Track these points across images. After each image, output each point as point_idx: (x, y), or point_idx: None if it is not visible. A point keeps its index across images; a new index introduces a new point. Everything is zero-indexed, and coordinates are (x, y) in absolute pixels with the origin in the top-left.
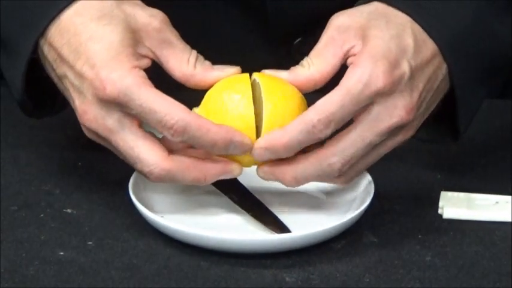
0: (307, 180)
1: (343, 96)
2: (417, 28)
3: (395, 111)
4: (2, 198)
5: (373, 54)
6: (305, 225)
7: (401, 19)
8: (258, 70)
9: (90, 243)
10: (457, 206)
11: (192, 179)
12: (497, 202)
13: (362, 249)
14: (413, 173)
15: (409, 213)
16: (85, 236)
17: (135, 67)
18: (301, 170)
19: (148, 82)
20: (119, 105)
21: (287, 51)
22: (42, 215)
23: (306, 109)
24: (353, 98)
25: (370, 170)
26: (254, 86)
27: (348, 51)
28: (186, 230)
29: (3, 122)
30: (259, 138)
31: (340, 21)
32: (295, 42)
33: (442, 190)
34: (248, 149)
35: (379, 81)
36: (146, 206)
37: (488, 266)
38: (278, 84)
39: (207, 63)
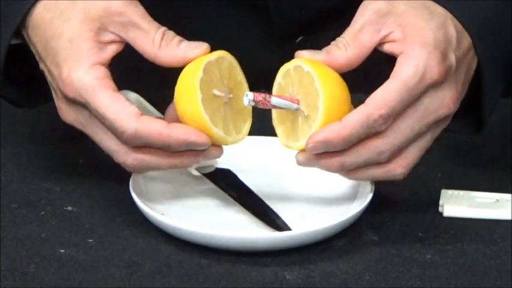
0: (353, 167)
1: (401, 89)
2: (455, 20)
3: (443, 103)
4: (3, 195)
5: (424, 43)
6: (305, 223)
7: (440, 10)
8: (261, 68)
9: (90, 240)
10: (457, 204)
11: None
12: (497, 200)
13: (362, 247)
14: (413, 171)
15: (410, 211)
16: (85, 233)
17: (95, 64)
18: (350, 159)
19: (105, 82)
20: (82, 104)
21: (290, 49)
22: (42, 213)
23: (348, 95)
24: (410, 91)
25: None
26: (297, 71)
27: (385, 36)
28: (187, 227)
29: (3, 120)
30: (317, 132)
31: (380, 6)
32: (297, 40)
33: (442, 188)
34: (205, 147)
35: (434, 73)
36: (147, 204)
37: (488, 264)
38: (328, 72)
39: (175, 40)
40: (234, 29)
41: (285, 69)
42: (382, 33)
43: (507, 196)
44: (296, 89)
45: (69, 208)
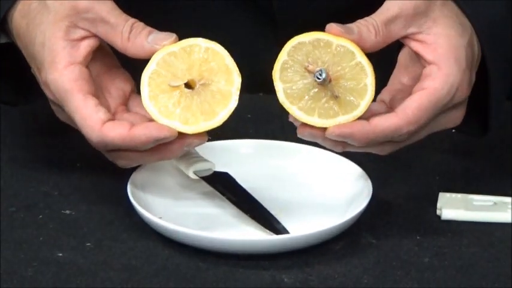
0: (354, 150)
1: (433, 107)
2: (476, 37)
3: (453, 120)
4: (1, 199)
5: (459, 61)
6: (303, 227)
7: (468, 23)
8: (264, 68)
9: (88, 244)
10: (455, 207)
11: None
12: (495, 203)
13: (360, 250)
14: (411, 174)
15: (408, 215)
16: (83, 237)
17: (70, 64)
18: (355, 148)
19: (78, 84)
20: (60, 106)
21: None
22: (40, 216)
23: None
24: (439, 108)
25: (369, 171)
26: (343, 53)
27: (412, 34)
28: (185, 230)
29: (2, 123)
30: (345, 125)
31: (419, 3)
32: None
33: (440, 191)
34: (171, 138)
35: (463, 94)
36: (145, 207)
37: (486, 267)
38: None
39: (144, 33)
40: (237, 29)
41: (323, 39)
42: (411, 30)
43: (505, 199)
44: (333, 67)
45: (67, 211)
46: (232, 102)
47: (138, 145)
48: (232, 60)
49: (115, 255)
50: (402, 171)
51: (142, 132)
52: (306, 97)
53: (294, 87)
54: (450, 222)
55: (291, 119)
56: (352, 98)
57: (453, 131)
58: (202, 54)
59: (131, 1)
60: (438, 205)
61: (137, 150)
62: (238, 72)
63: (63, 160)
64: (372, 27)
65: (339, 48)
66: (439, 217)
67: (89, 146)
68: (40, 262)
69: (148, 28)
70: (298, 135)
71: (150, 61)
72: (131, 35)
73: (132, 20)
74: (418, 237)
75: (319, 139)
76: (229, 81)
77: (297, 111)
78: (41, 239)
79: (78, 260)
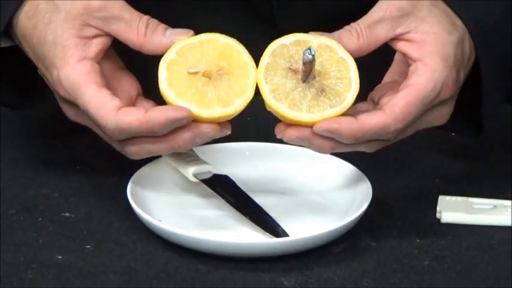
0: (341, 151)
1: (419, 104)
2: (468, 35)
3: (440, 118)
4: (1, 201)
5: (446, 58)
6: (303, 229)
7: (460, 23)
8: None
9: (88, 247)
10: (455, 210)
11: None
12: (495, 206)
13: (360, 253)
14: (411, 177)
15: (407, 218)
16: (83, 239)
17: (81, 59)
18: (343, 147)
19: (91, 77)
20: (72, 101)
21: None
22: (40, 219)
23: None
24: (425, 106)
25: (368, 173)
26: (325, 50)
27: (401, 35)
28: (184, 233)
29: (2, 124)
30: (333, 120)
31: (403, 4)
32: None
33: (440, 194)
34: (188, 119)
35: (448, 91)
36: (144, 210)
37: (486, 270)
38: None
39: (160, 28)
40: (237, 31)
41: (304, 39)
42: (399, 31)
43: (504, 202)
44: (316, 64)
45: (67, 214)
46: (248, 93)
47: (155, 127)
48: (250, 56)
49: (115, 257)
50: (402, 174)
51: (159, 114)
52: (292, 95)
53: (279, 88)
54: (450, 225)
55: (278, 136)
56: (338, 91)
57: (453, 134)
58: (221, 49)
59: (130, 2)
60: (438, 208)
61: (152, 136)
62: (255, 66)
63: (63, 162)
64: (354, 31)
65: (318, 47)
66: (438, 220)
67: (89, 148)
68: (40, 265)
69: (163, 25)
70: (286, 140)
71: (168, 51)
72: (148, 30)
73: (146, 17)
74: (417, 240)
75: (305, 141)
76: (246, 73)
77: (284, 109)
78: (40, 241)
79: (78, 263)
